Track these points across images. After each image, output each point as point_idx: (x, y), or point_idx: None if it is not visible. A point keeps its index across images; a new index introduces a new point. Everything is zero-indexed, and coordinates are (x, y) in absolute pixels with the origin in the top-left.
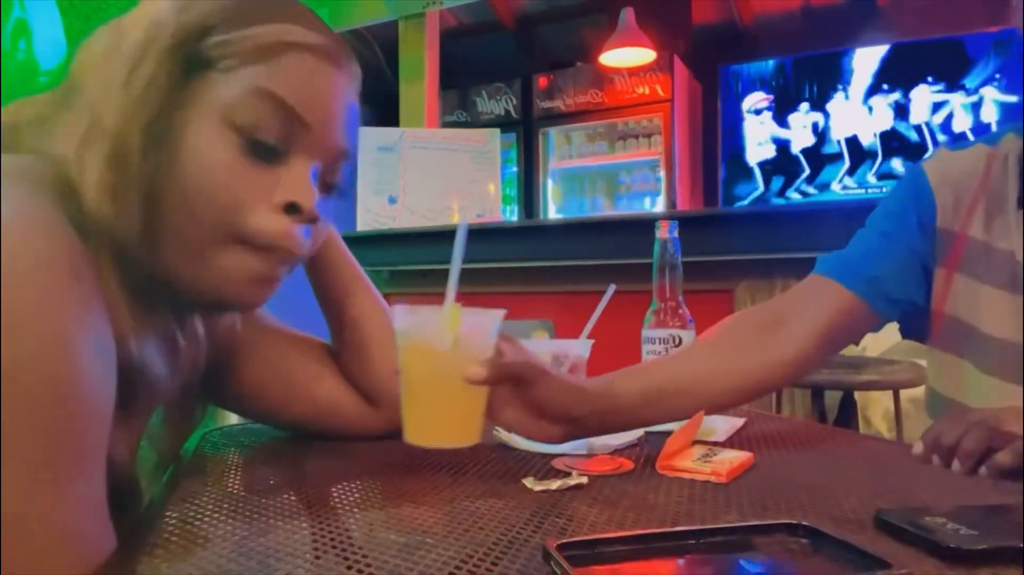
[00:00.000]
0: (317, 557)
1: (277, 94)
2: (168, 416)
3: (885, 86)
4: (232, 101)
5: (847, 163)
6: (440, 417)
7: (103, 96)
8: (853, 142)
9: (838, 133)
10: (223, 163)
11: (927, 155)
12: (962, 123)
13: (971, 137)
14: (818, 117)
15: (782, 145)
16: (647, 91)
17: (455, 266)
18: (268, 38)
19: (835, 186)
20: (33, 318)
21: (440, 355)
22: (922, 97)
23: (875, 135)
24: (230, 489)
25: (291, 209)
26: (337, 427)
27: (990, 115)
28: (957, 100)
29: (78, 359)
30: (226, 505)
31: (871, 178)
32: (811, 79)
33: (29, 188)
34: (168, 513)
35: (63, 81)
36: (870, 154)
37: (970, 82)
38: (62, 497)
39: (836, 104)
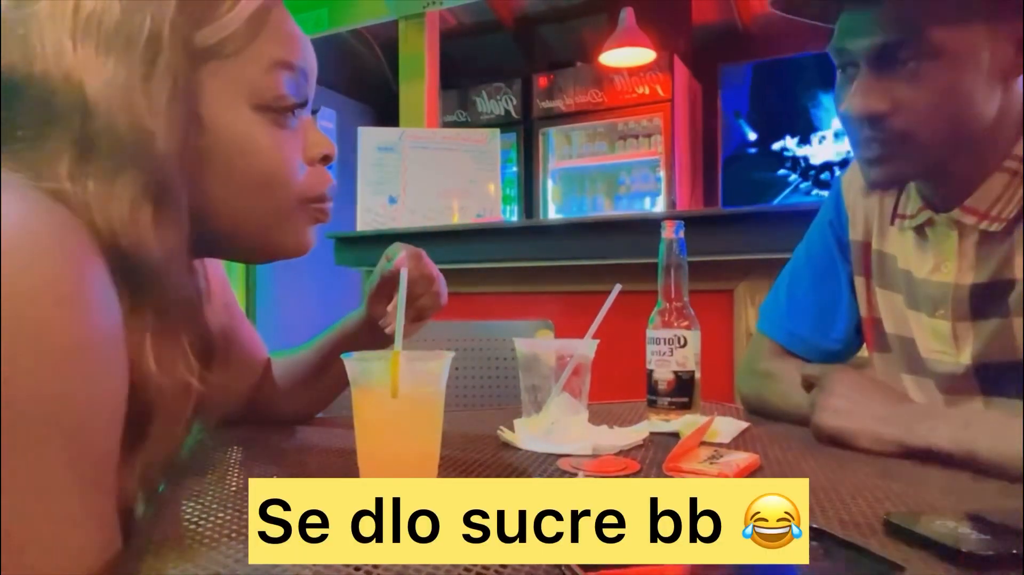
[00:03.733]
0: None
1: (289, 61)
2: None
3: None
4: (255, 84)
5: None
6: (389, 463)
7: (116, 117)
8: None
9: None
10: (269, 146)
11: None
12: None
13: None
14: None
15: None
16: (647, 91)
17: (400, 313)
18: (247, 8)
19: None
20: (55, 331)
21: (386, 402)
22: None
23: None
24: (233, 488)
25: (324, 160)
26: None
27: None
28: None
29: (88, 371)
30: (229, 505)
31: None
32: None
33: (36, 201)
34: (171, 513)
35: None
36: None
37: None
38: (63, 517)
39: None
